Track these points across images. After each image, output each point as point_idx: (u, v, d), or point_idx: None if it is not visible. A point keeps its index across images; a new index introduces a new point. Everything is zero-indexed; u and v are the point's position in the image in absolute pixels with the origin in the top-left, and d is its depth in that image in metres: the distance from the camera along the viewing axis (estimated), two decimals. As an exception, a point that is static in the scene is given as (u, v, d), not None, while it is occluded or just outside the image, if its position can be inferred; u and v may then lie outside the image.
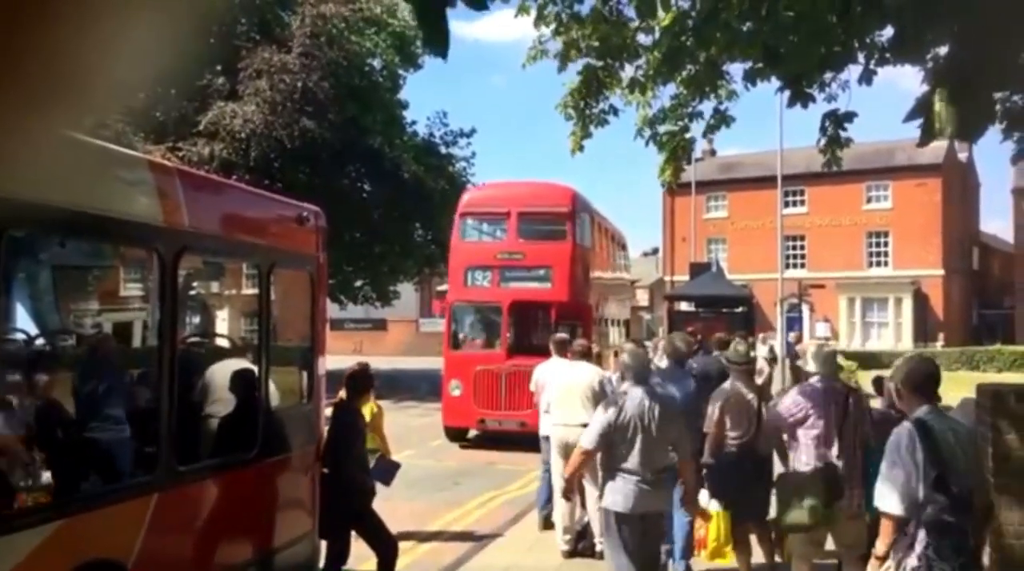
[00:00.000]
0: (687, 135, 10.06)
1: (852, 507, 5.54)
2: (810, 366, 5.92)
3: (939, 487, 3.74)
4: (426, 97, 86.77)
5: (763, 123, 64.44)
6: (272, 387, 5.76)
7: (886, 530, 3.94)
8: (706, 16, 7.42)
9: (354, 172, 26.45)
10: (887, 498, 3.90)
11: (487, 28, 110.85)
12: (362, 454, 5.98)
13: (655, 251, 56.84)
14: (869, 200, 42.71)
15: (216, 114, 21.35)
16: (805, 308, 37.86)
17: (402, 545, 8.06)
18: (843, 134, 8.93)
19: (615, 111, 9.09)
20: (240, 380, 5.67)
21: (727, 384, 6.57)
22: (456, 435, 14.70)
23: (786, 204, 36.83)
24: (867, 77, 8.28)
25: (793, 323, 33.45)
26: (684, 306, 19.02)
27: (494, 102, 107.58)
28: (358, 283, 30.00)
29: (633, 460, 5.31)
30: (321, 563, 6.02)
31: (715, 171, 45.40)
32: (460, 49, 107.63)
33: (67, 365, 4.94)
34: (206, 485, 5.00)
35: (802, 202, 42.98)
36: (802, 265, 42.05)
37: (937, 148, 41.86)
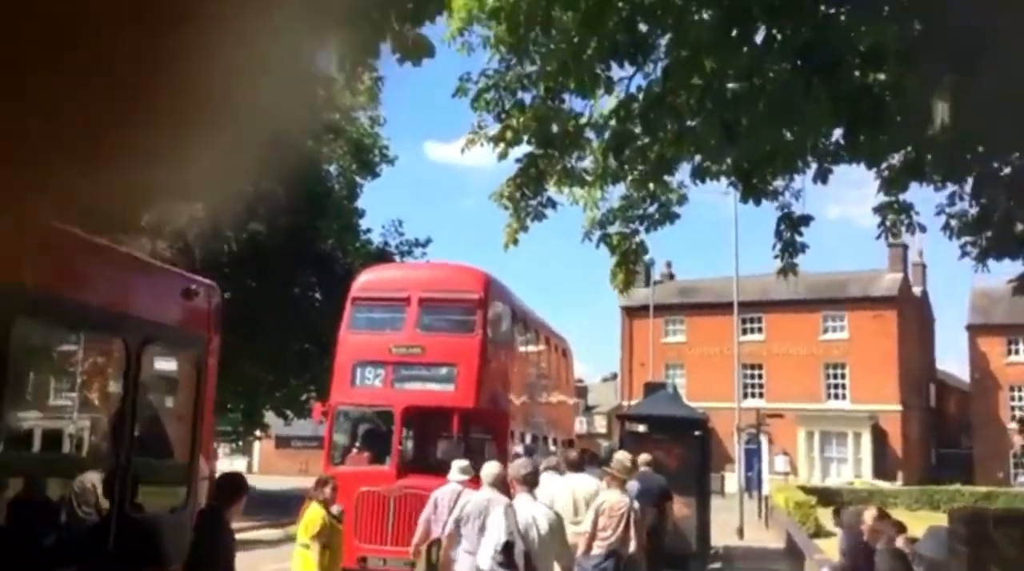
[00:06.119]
0: (637, 238, 9.66)
1: None
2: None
3: (506, 549, 5.24)
4: (392, 213, 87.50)
5: (721, 252, 65.50)
6: (131, 487, 4.84)
7: None
8: (652, 101, 7.04)
9: (306, 281, 25.85)
10: (482, 556, 5.55)
11: (458, 154, 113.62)
12: None
13: (614, 376, 56.20)
14: (826, 330, 42.78)
15: (159, 211, 20.75)
16: (764, 439, 37.14)
17: None
18: (799, 238, 8.54)
19: (553, 204, 8.63)
20: (88, 477, 4.77)
21: (605, 494, 7.65)
22: None
23: (744, 331, 36.72)
24: (822, 175, 7.92)
25: (751, 455, 32.69)
26: (637, 428, 18.05)
27: (463, 222, 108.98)
28: (304, 397, 28.84)
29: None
30: None
31: (674, 295, 45.47)
32: (434, 172, 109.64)
33: None
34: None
35: (759, 329, 42.94)
36: (760, 395, 41.59)
37: (891, 281, 42.48)
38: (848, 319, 42.30)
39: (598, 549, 7.32)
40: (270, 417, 30.17)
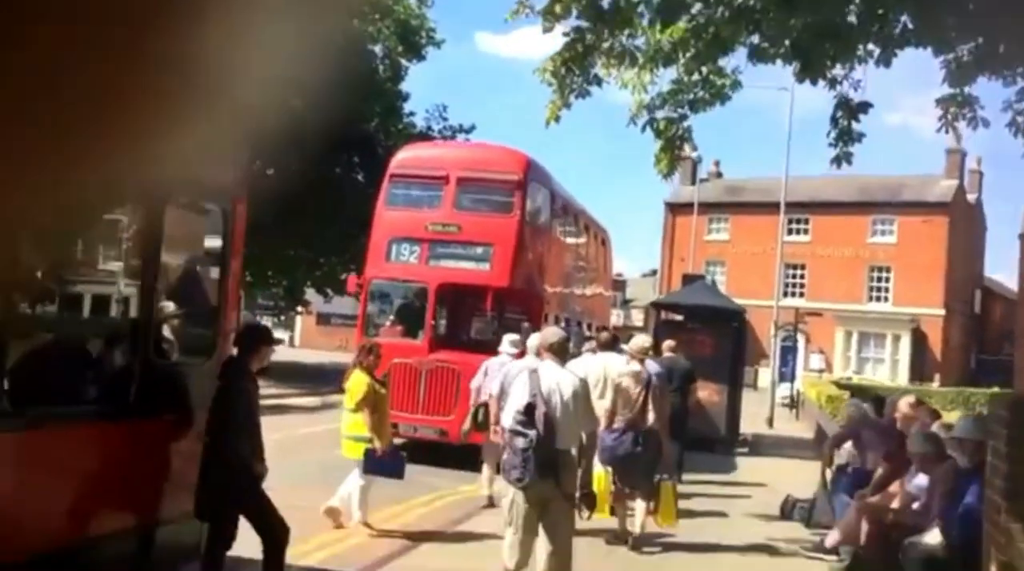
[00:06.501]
0: (685, 124, 9.35)
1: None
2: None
3: (527, 409, 5.30)
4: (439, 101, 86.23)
5: (771, 156, 63.92)
6: (157, 335, 4.91)
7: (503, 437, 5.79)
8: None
9: (347, 161, 25.70)
10: (505, 415, 5.69)
11: (511, 45, 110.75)
12: (249, 423, 5.05)
13: (654, 273, 56.03)
14: (874, 233, 41.94)
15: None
16: (800, 337, 37.05)
17: (327, 537, 7.25)
18: (856, 126, 8.21)
19: (599, 81, 8.34)
20: (114, 321, 4.86)
21: (624, 374, 7.99)
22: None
23: (789, 231, 36.11)
24: (886, 59, 7.56)
25: (787, 352, 32.65)
26: (673, 317, 17.93)
27: (512, 115, 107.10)
28: (344, 276, 29.15)
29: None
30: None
31: (720, 193, 44.69)
32: (483, 62, 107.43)
33: None
34: (55, 435, 4.14)
35: (805, 231, 42.24)
36: (801, 294, 41.24)
37: (946, 187, 41.26)
38: (898, 223, 41.36)
39: (618, 424, 7.71)
40: (311, 294, 30.63)
